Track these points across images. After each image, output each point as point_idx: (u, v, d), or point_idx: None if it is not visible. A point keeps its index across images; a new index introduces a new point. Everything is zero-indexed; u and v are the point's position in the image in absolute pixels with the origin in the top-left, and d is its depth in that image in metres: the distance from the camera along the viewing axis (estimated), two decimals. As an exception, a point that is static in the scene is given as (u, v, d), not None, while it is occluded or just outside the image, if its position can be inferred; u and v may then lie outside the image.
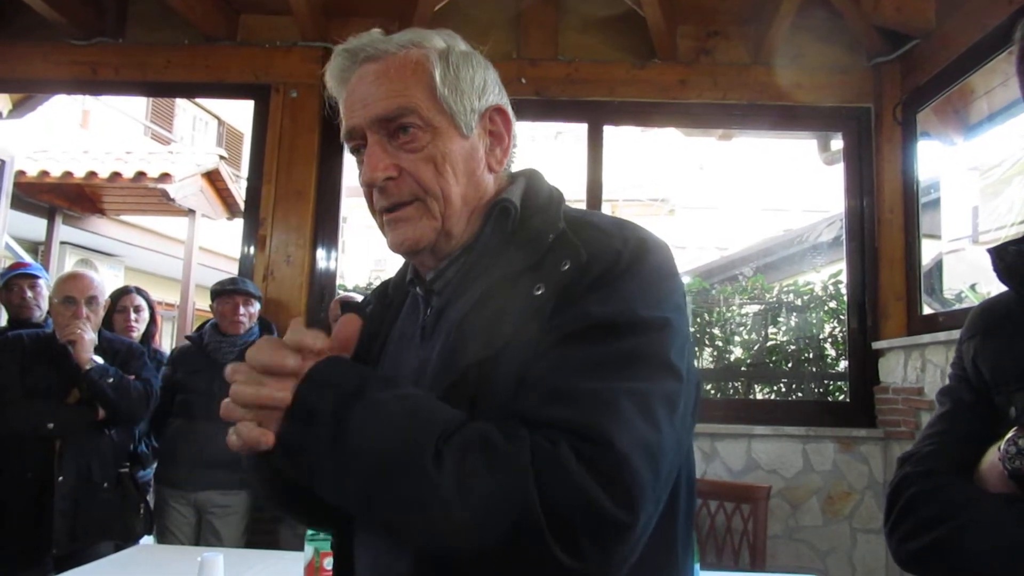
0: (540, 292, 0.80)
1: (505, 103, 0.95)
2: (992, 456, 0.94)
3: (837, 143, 4.13)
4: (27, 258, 5.99)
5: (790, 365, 4.78)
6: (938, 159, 4.53)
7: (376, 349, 0.99)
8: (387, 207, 0.90)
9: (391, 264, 9.08)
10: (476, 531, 0.68)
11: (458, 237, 0.91)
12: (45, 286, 3.30)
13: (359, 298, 3.53)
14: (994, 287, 1.08)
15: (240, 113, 11.27)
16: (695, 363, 0.89)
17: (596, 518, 0.68)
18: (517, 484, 0.68)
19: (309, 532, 1.80)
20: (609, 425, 0.70)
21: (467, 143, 0.90)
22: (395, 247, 0.92)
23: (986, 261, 1.05)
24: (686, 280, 4.30)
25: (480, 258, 0.89)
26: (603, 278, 0.79)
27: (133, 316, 3.56)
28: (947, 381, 1.10)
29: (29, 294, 3.27)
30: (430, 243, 0.90)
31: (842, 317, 4.49)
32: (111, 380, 2.72)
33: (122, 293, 3.62)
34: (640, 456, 0.70)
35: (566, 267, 0.80)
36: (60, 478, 2.66)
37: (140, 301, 3.62)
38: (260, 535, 3.26)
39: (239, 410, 0.81)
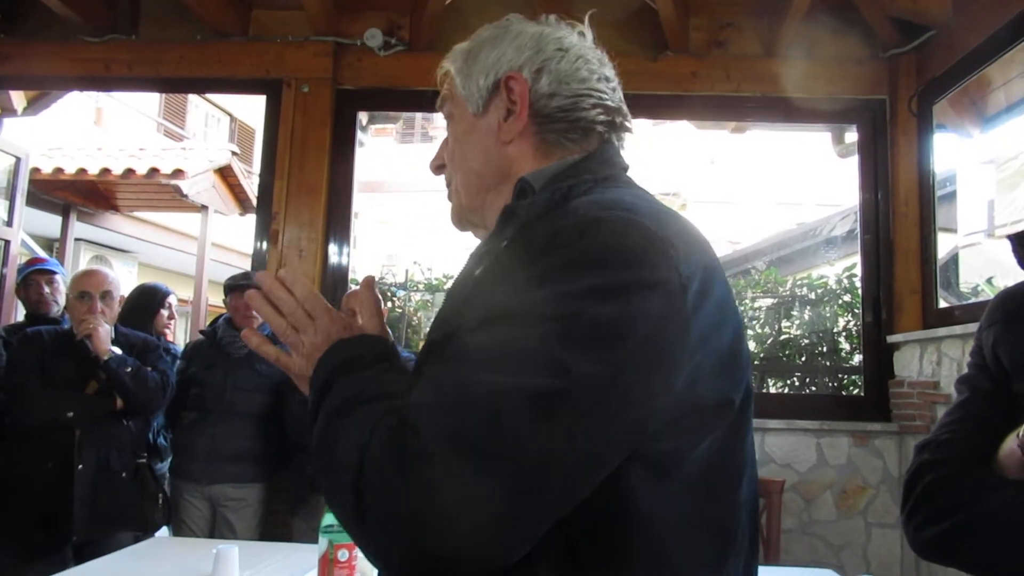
0: (479, 272, 0.80)
1: (528, 70, 0.88)
2: (1010, 443, 0.93)
3: (851, 136, 4.10)
4: (43, 255, 6.04)
5: (804, 359, 4.76)
6: (954, 152, 4.49)
7: None
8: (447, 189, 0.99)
9: (402, 259, 9.10)
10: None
11: (484, 211, 0.93)
12: (62, 281, 3.34)
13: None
14: (1011, 280, 1.07)
15: (252, 109, 11.31)
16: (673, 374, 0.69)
17: (394, 511, 0.63)
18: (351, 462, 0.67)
19: (323, 524, 1.81)
20: (422, 414, 0.65)
21: (482, 121, 0.91)
22: (452, 222, 0.99)
23: (1003, 255, 1.04)
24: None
25: (488, 235, 0.89)
26: (522, 259, 0.73)
27: (167, 315, 3.65)
28: (965, 370, 1.09)
29: (47, 289, 3.31)
30: (459, 221, 0.96)
31: (856, 311, 4.47)
32: (129, 369, 2.77)
33: (166, 295, 3.70)
34: (450, 449, 0.62)
35: (504, 246, 0.79)
36: (80, 467, 2.71)
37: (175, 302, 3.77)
38: (274, 528, 3.28)
39: (265, 308, 0.87)
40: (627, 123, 0.94)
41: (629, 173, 0.92)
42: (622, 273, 0.68)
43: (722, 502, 0.76)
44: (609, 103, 0.91)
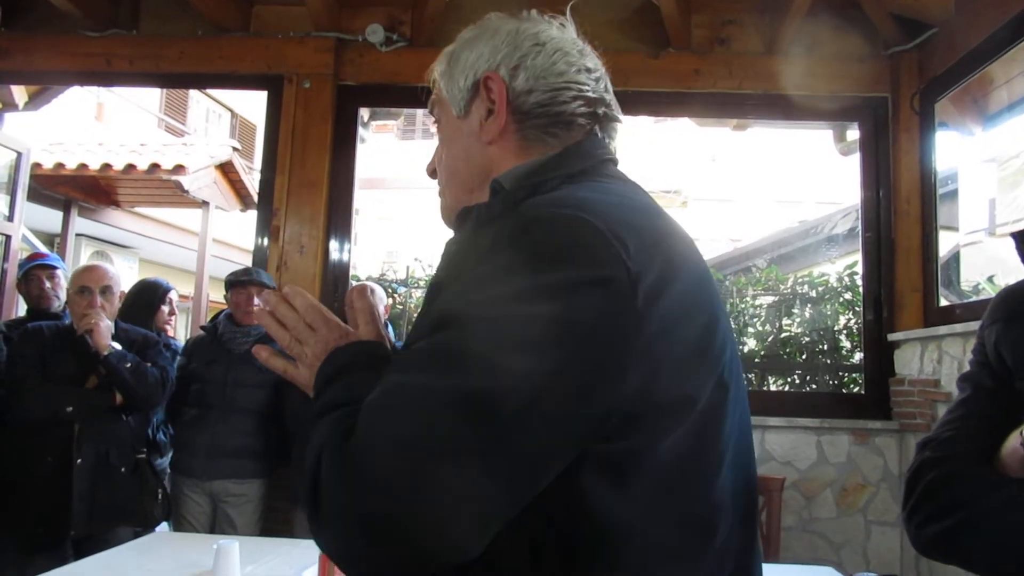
0: (435, 275, 0.81)
1: (505, 68, 0.88)
2: (1013, 441, 0.93)
3: (853, 133, 4.09)
4: (44, 250, 6.04)
5: (804, 357, 4.75)
6: (956, 150, 4.48)
7: None
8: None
9: (403, 256, 9.10)
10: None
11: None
12: (63, 276, 3.35)
13: (377, 286, 3.54)
14: (1012, 279, 1.07)
15: (253, 105, 11.30)
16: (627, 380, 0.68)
17: (336, 509, 0.65)
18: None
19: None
20: (363, 415, 0.66)
21: (464, 123, 0.92)
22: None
23: (1004, 253, 1.04)
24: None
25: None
26: (468, 262, 0.74)
27: (167, 311, 3.65)
28: (967, 368, 1.09)
29: (48, 284, 3.31)
30: (447, 220, 0.96)
31: (857, 309, 4.46)
32: (129, 365, 2.77)
33: (167, 291, 3.70)
34: (380, 448, 0.63)
35: (455, 249, 0.81)
36: (79, 461, 2.71)
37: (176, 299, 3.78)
38: (275, 524, 3.29)
39: (272, 324, 0.89)
40: (611, 113, 0.92)
41: (624, 166, 0.92)
42: (559, 272, 0.67)
43: (693, 500, 0.74)
44: (590, 94, 0.89)
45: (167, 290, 3.69)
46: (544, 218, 0.71)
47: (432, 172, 1.00)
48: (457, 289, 0.72)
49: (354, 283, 3.84)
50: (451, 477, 0.61)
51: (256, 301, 3.20)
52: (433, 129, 1.01)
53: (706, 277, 0.80)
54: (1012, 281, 1.07)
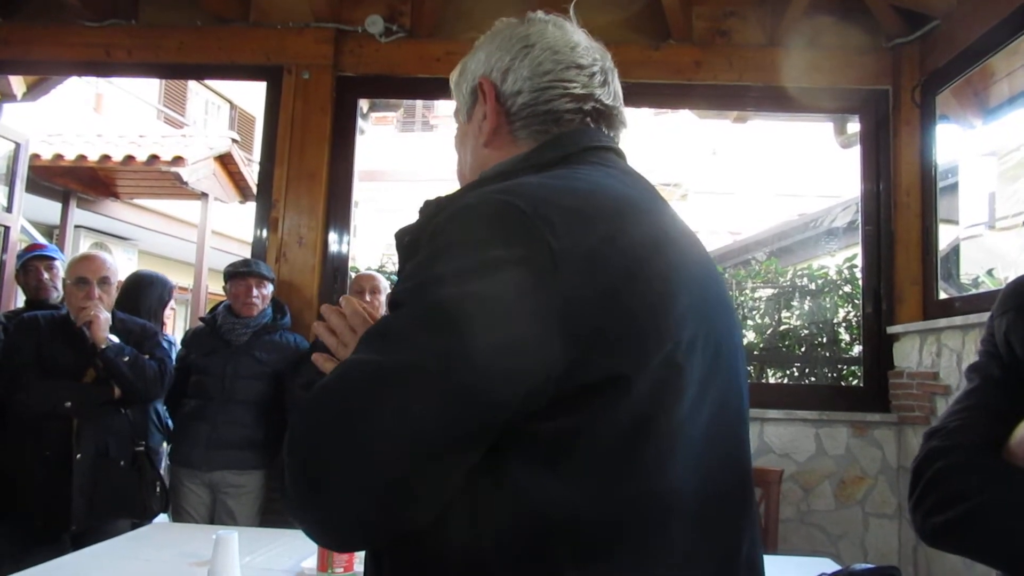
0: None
1: (497, 72, 0.93)
2: (1022, 431, 0.93)
3: (854, 126, 4.08)
4: (43, 241, 6.04)
5: (803, 349, 4.76)
6: (956, 143, 4.47)
7: None
8: None
9: (403, 248, 9.09)
10: None
11: None
12: (61, 267, 3.34)
13: (378, 275, 3.54)
14: (1011, 272, 1.07)
15: (252, 97, 11.27)
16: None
17: (289, 483, 0.73)
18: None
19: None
20: (320, 386, 0.72)
21: (469, 127, 0.98)
22: None
23: (1003, 246, 1.04)
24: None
25: None
26: (410, 252, 0.79)
27: (169, 312, 3.64)
28: (972, 358, 1.09)
29: (46, 275, 3.31)
30: None
31: (857, 301, 4.46)
32: (127, 359, 2.75)
33: (172, 287, 3.69)
34: (312, 421, 0.70)
35: (407, 241, 0.84)
36: (78, 455, 2.69)
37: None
38: (275, 515, 3.29)
39: (325, 333, 0.95)
40: (600, 107, 0.93)
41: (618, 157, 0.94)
42: (473, 254, 0.70)
43: (639, 483, 0.72)
44: (576, 90, 0.91)
45: (172, 287, 3.67)
46: (473, 204, 0.75)
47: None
48: (400, 278, 0.77)
49: (353, 274, 3.84)
50: (359, 446, 0.66)
51: (255, 292, 3.20)
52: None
53: (667, 257, 0.79)
54: (1011, 275, 1.07)
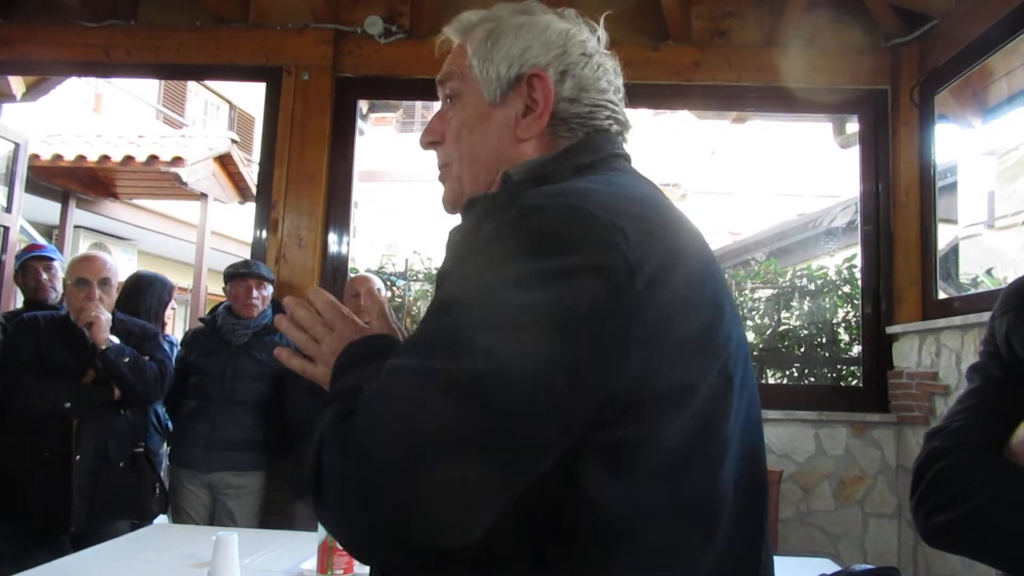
0: (440, 267, 0.84)
1: (553, 70, 0.88)
2: (1023, 432, 0.93)
3: (853, 126, 4.08)
4: (42, 241, 6.04)
5: (803, 349, 4.76)
6: (955, 142, 4.47)
7: None
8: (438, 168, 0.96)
9: (402, 248, 9.09)
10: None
11: None
12: (60, 268, 3.33)
13: (376, 279, 3.54)
14: (1011, 272, 1.07)
15: (251, 97, 11.27)
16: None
17: (332, 490, 0.68)
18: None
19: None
20: (363, 398, 0.68)
21: (498, 112, 0.89)
22: (442, 206, 0.97)
23: (1003, 246, 1.04)
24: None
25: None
26: (470, 251, 0.75)
27: (169, 312, 3.64)
28: (973, 358, 1.09)
29: (44, 276, 3.31)
30: (454, 206, 0.93)
31: (856, 301, 4.47)
32: (127, 360, 2.75)
33: (170, 288, 3.68)
34: (371, 428, 0.65)
35: (459, 239, 0.83)
36: (77, 456, 2.69)
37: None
38: (275, 516, 3.29)
39: (290, 327, 0.92)
40: (623, 119, 0.94)
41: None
42: (556, 259, 0.67)
43: (695, 491, 0.73)
44: (620, 116, 0.92)
45: (172, 288, 3.67)
46: (544, 207, 0.71)
47: (429, 144, 0.96)
48: (458, 276, 0.73)
49: (352, 275, 3.84)
50: (443, 461, 0.62)
51: (255, 293, 3.20)
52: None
53: (711, 268, 0.80)
54: (1011, 275, 1.07)
